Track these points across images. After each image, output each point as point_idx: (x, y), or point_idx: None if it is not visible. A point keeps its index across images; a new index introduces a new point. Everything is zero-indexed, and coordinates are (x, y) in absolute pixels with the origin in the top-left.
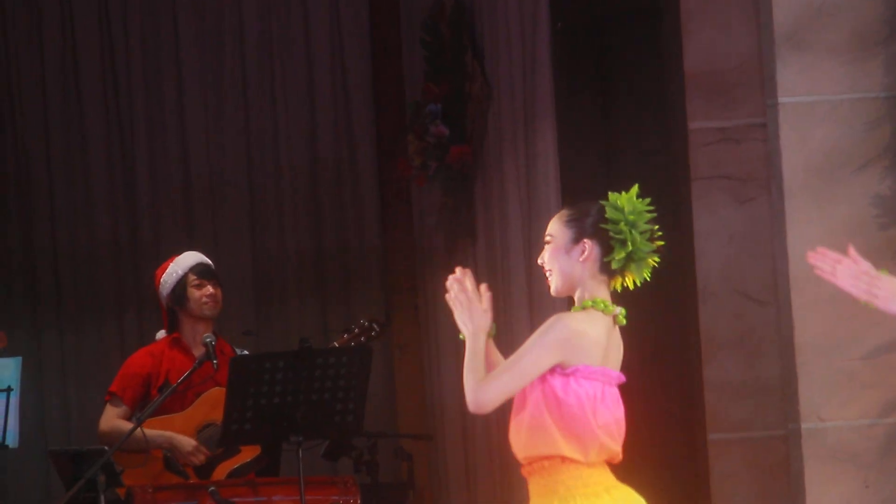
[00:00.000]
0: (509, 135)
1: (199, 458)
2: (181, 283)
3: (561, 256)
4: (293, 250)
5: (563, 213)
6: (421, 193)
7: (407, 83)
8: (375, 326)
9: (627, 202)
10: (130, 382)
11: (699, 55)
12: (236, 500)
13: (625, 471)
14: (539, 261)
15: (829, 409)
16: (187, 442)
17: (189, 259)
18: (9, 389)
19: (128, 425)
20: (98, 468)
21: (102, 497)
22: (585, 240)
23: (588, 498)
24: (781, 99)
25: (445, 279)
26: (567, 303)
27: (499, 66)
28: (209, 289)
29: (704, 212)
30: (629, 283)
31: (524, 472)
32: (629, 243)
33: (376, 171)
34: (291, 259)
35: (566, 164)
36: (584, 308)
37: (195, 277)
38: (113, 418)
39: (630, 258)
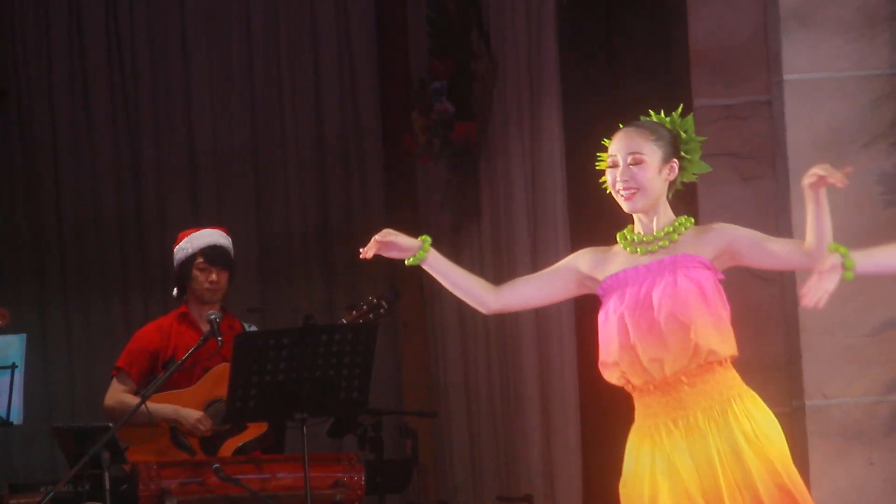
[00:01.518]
0: (514, 112)
1: (206, 426)
2: (189, 262)
3: (653, 175)
4: (298, 227)
5: (642, 132)
6: (426, 171)
7: (412, 60)
8: (384, 303)
9: (690, 123)
10: (137, 358)
11: (705, 32)
12: (241, 477)
13: None
14: (624, 177)
15: (834, 387)
16: (192, 412)
17: (203, 239)
18: (13, 366)
19: (133, 400)
20: (102, 445)
21: (107, 474)
22: (674, 160)
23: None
24: (787, 76)
25: (451, 256)
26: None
27: (504, 44)
28: (213, 275)
29: (709, 189)
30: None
31: (688, 380)
32: (694, 163)
33: (381, 149)
34: (297, 235)
35: (571, 142)
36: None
37: (202, 261)
38: (118, 393)
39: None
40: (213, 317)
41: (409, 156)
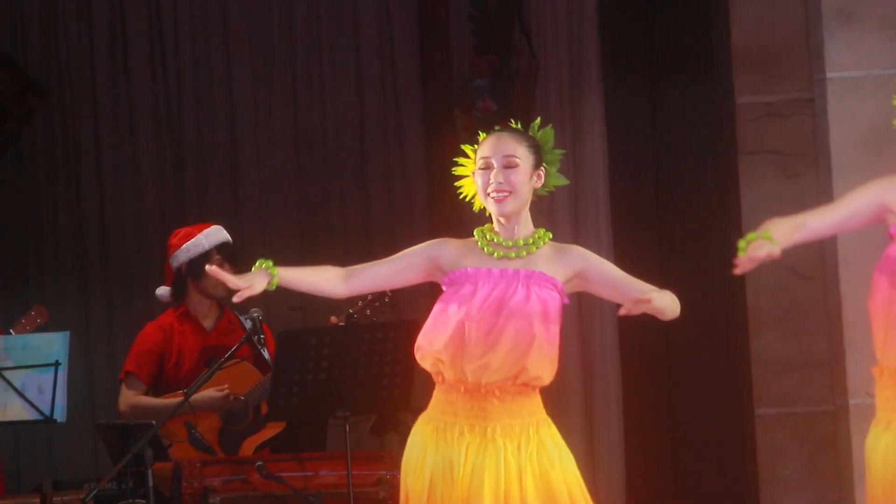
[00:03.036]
0: (556, 109)
1: (223, 392)
2: (203, 258)
3: (525, 180)
4: (340, 224)
5: (516, 136)
6: None
7: (454, 58)
8: (388, 292)
9: (549, 134)
10: (146, 360)
11: (747, 29)
12: (283, 474)
13: (673, 446)
14: (498, 179)
15: None
16: (209, 391)
17: (218, 236)
18: (56, 364)
19: (147, 400)
20: (146, 442)
21: (150, 471)
22: (542, 167)
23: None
24: (829, 73)
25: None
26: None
27: (546, 41)
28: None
29: (751, 186)
30: None
31: (499, 395)
32: (552, 175)
33: (423, 146)
34: (338, 233)
35: (613, 139)
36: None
37: (220, 258)
38: (130, 397)
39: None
40: (256, 314)
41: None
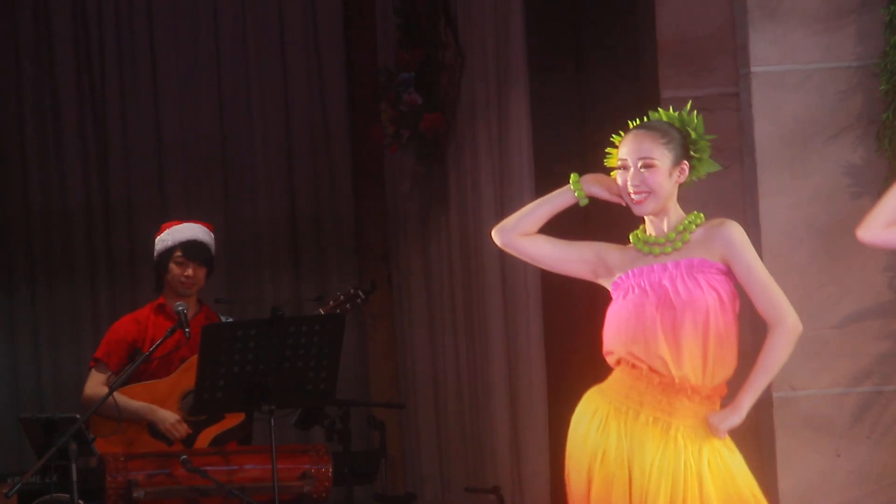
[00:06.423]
0: (482, 103)
1: (181, 433)
2: (167, 254)
3: (664, 179)
4: (266, 217)
5: (653, 134)
6: (394, 161)
7: (380, 51)
8: (361, 294)
9: (699, 122)
10: (115, 349)
11: (672, 23)
12: (208, 468)
13: None
14: (635, 182)
15: (801, 378)
16: (169, 415)
17: (183, 233)
18: None
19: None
20: (69, 436)
21: (74, 465)
22: (684, 161)
23: None
24: (754, 68)
25: (418, 247)
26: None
27: (472, 34)
28: (189, 270)
29: None
30: None
31: (690, 394)
32: (704, 162)
33: (349, 139)
34: (264, 226)
35: (539, 133)
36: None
37: (180, 254)
38: (97, 384)
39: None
40: (180, 308)
41: (376, 146)
